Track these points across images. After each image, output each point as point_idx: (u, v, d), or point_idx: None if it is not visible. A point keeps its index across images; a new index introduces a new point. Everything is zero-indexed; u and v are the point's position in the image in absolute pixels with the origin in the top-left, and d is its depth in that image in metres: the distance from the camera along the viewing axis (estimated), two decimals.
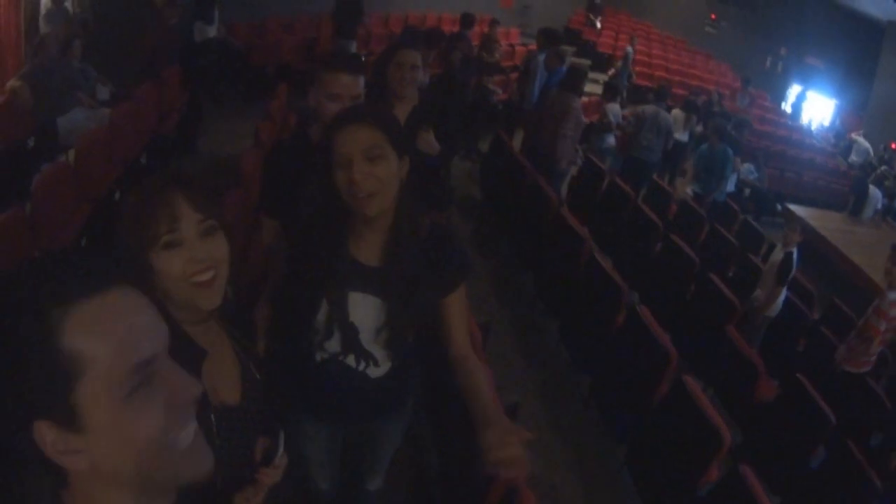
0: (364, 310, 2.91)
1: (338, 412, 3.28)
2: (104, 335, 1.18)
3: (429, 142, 4.75)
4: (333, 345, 2.99)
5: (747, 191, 14.52)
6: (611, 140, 12.95)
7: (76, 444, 1.20)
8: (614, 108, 12.93)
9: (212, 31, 12.14)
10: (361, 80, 4.08)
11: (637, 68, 22.47)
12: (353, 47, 12.10)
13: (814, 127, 27.12)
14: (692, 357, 6.57)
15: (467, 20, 12.19)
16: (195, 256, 2.11)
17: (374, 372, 3.07)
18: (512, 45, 18.82)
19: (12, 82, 9.74)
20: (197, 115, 11.16)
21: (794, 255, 8.22)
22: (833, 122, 27.35)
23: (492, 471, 2.53)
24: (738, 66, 25.94)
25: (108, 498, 1.29)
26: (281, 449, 2.29)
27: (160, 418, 1.23)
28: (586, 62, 12.59)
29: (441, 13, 19.24)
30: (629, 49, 21.24)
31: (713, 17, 27.49)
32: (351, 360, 3.03)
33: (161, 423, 1.23)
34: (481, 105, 12.80)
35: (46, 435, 1.19)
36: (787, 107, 27.96)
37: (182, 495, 1.42)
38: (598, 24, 25.80)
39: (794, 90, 28.28)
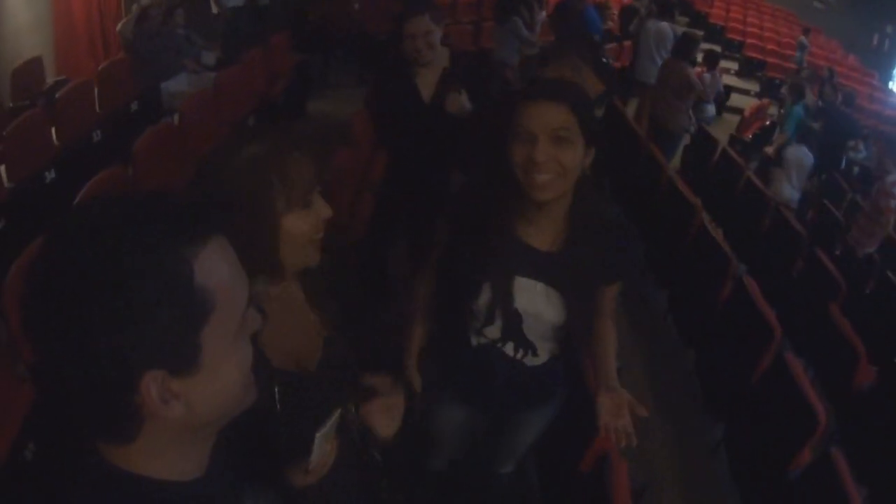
0: (531, 296, 2.77)
1: (486, 399, 3.17)
2: (229, 274, 1.23)
3: (458, 102, 4.63)
4: (493, 331, 2.88)
5: (856, 169, 14.19)
6: (711, 110, 12.82)
7: (179, 388, 1.21)
8: (710, 76, 12.82)
9: None
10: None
11: (749, 40, 22.15)
12: None
13: None
14: (795, 335, 6.43)
15: None
16: (321, 216, 2.13)
17: (532, 361, 2.96)
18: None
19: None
20: (307, 79, 11.17)
21: None
22: None
23: (601, 433, 2.64)
24: (846, 43, 25.44)
25: (172, 448, 1.30)
26: (334, 419, 2.15)
27: (247, 356, 1.31)
28: (699, 32, 12.43)
29: None
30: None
31: None
32: (509, 347, 2.91)
33: (247, 360, 1.31)
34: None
35: (153, 385, 1.17)
36: (894, 86, 27.30)
37: (230, 453, 1.48)
38: None
39: None
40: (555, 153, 2.49)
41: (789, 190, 9.91)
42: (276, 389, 2.08)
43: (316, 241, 2.16)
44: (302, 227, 2.09)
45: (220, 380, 1.25)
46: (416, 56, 4.76)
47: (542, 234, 2.76)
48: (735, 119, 14.50)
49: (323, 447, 2.12)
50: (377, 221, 5.37)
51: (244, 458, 1.55)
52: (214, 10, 11.39)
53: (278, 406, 2.10)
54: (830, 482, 4.15)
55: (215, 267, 1.20)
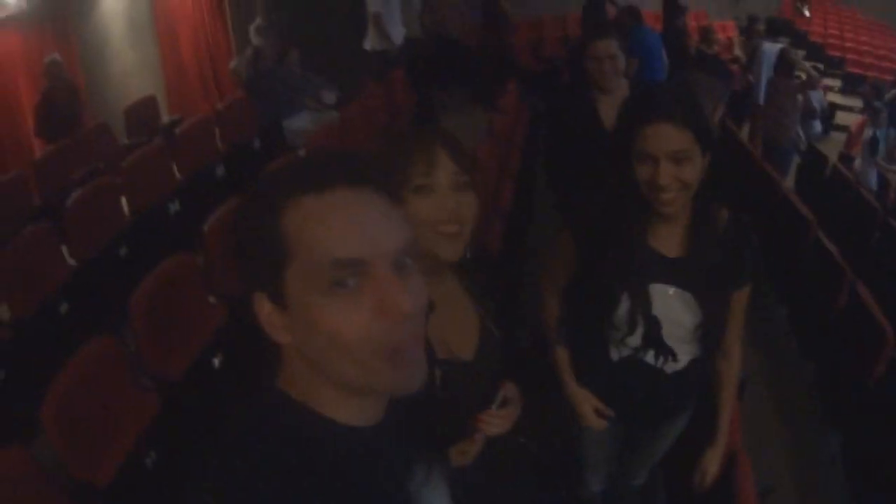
0: (666, 301, 2.84)
1: (629, 413, 3.21)
2: (314, 226, 1.29)
3: None
4: (635, 340, 2.91)
5: None
6: (817, 125, 12.73)
7: (283, 320, 1.35)
8: (817, 95, 12.71)
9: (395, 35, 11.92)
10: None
11: (849, 56, 21.83)
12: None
13: None
14: None
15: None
16: (445, 205, 2.15)
17: (672, 367, 2.99)
18: (729, 38, 18.48)
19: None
20: (428, 113, 11.25)
21: None
22: None
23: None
24: None
25: (314, 381, 1.39)
26: (499, 400, 2.33)
27: (364, 323, 1.29)
28: (800, 53, 12.36)
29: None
30: None
31: None
32: (650, 356, 2.96)
33: (364, 328, 1.29)
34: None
35: (264, 306, 1.36)
36: None
37: (400, 424, 1.53)
38: (807, 13, 25.04)
39: None
40: (676, 172, 2.55)
41: None
42: (437, 375, 2.16)
43: (445, 235, 2.17)
44: (420, 211, 2.11)
45: (319, 331, 1.30)
46: (600, 78, 4.71)
47: (668, 241, 2.83)
48: (842, 137, 14.34)
49: (485, 428, 2.26)
50: (508, 249, 5.40)
51: (414, 434, 1.60)
52: (368, 46, 11.47)
53: (440, 392, 2.17)
54: None
55: (308, 219, 1.29)
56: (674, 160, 2.55)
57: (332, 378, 1.36)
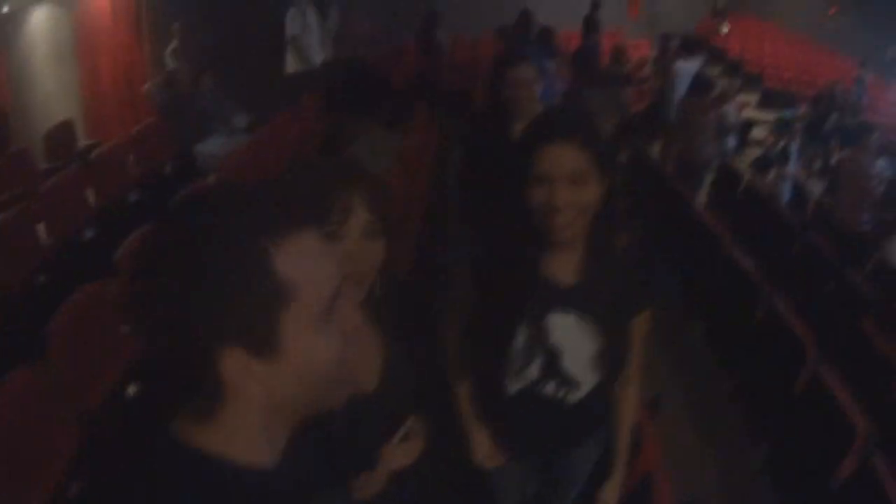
0: (565, 330, 2.77)
1: (531, 445, 3.16)
2: (312, 266, 1.30)
3: None
4: (532, 372, 2.84)
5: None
6: (731, 141, 12.93)
7: (259, 370, 1.29)
8: (732, 111, 12.92)
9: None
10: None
11: (767, 71, 22.12)
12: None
13: None
14: (831, 352, 6.52)
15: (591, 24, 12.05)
16: (351, 255, 2.14)
17: (573, 397, 2.91)
18: (643, 57, 18.66)
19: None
20: (339, 136, 11.28)
21: None
22: None
23: None
24: (862, 60, 25.32)
25: (250, 432, 1.37)
26: (402, 433, 2.35)
27: (339, 347, 1.34)
28: (716, 69, 12.57)
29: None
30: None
31: (832, 11, 26.80)
32: (550, 387, 2.88)
33: (339, 352, 1.34)
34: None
35: (232, 362, 1.28)
36: None
37: (297, 459, 1.49)
38: (725, 29, 25.36)
39: None
40: (573, 194, 2.47)
41: None
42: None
43: (374, 267, 2.23)
44: (350, 246, 2.14)
45: (301, 368, 1.31)
46: (515, 104, 4.59)
47: (565, 268, 2.74)
48: (758, 152, 14.51)
49: (388, 461, 2.27)
50: (419, 273, 5.37)
51: (314, 464, 1.62)
52: (290, 69, 11.46)
53: (343, 423, 2.12)
54: (874, 491, 4.23)
55: (299, 257, 1.28)
56: (571, 181, 2.47)
57: (279, 413, 1.38)
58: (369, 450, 2.32)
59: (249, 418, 1.35)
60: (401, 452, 2.37)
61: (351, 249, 2.15)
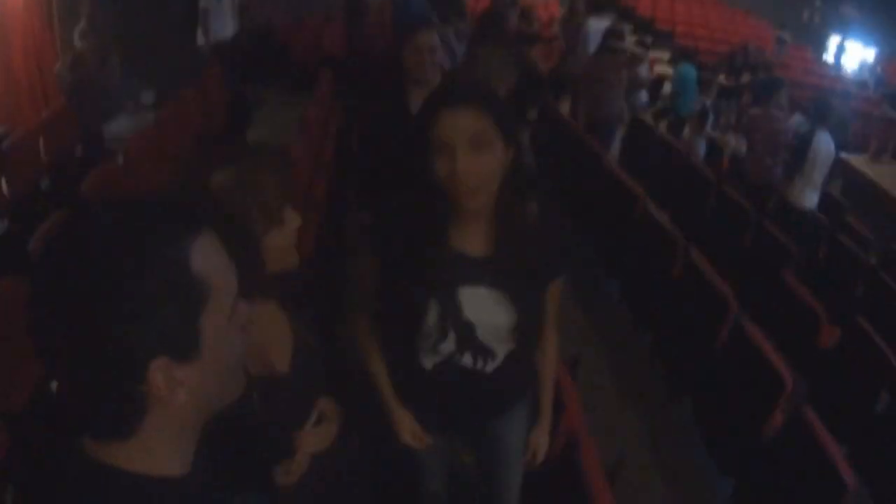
0: (477, 303, 2.70)
1: (453, 417, 3.11)
2: (221, 263, 1.32)
3: None
4: (448, 346, 2.77)
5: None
6: (643, 96, 13.02)
7: (182, 375, 1.26)
8: (643, 68, 13.08)
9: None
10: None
11: (679, 28, 22.33)
12: None
13: (855, 76, 26.70)
14: (752, 307, 6.50)
15: None
16: (294, 226, 2.28)
17: (490, 366, 2.87)
18: (552, 16, 18.66)
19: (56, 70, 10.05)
20: (243, 109, 11.21)
21: None
22: (873, 70, 26.91)
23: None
24: (776, 23, 25.67)
25: (164, 443, 1.34)
26: (315, 417, 2.34)
27: (240, 343, 1.37)
28: (627, 28, 12.70)
29: None
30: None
31: None
32: (467, 358, 2.82)
33: (240, 348, 1.38)
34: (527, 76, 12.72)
35: (159, 373, 1.23)
36: (828, 58, 27.58)
37: (206, 461, 1.48)
38: None
39: (833, 41, 27.91)
40: (475, 160, 2.43)
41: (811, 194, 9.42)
42: (253, 395, 2.10)
43: (293, 248, 2.28)
44: (281, 242, 2.20)
45: (218, 365, 1.32)
46: (418, 71, 4.59)
47: (473, 240, 2.71)
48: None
49: (304, 446, 2.25)
50: (324, 240, 5.31)
51: (229, 460, 1.59)
52: (201, 41, 11.30)
53: (257, 411, 2.11)
54: (807, 441, 4.18)
55: (208, 256, 1.27)
56: (472, 146, 2.42)
57: (196, 419, 1.38)
58: (285, 437, 2.30)
59: (168, 428, 1.34)
60: (316, 436, 2.36)
61: (291, 222, 2.26)
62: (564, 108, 11.83)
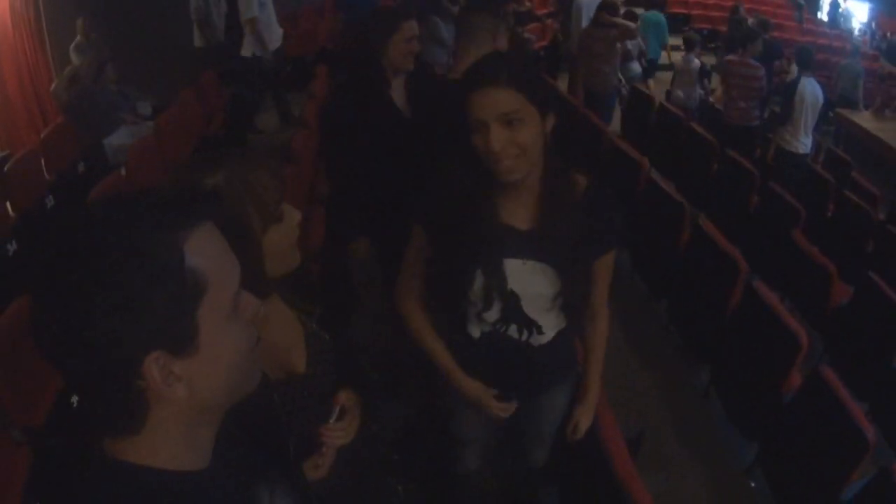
0: (522, 276, 2.74)
1: (501, 388, 3.07)
2: (219, 256, 1.31)
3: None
4: (493, 315, 2.83)
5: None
6: (636, 67, 13.08)
7: (181, 370, 1.26)
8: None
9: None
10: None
11: None
12: None
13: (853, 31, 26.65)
14: (763, 269, 6.49)
15: None
16: (294, 222, 2.19)
17: (538, 340, 2.92)
18: None
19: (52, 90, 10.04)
20: (242, 110, 11.19)
21: None
22: (868, 25, 26.86)
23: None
24: None
25: (177, 437, 1.34)
26: (336, 412, 2.31)
27: (246, 338, 1.35)
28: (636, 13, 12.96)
29: None
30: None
31: None
32: (513, 330, 2.87)
33: (246, 343, 1.35)
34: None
35: (155, 367, 1.23)
36: (822, 15, 27.51)
37: (234, 454, 1.52)
38: None
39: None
40: (510, 136, 2.47)
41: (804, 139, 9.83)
42: (274, 397, 2.13)
43: (295, 245, 2.22)
44: (281, 240, 2.15)
45: (219, 360, 1.30)
46: (402, 61, 4.56)
47: (520, 213, 2.74)
48: (667, 76, 14.60)
49: (329, 440, 2.26)
50: (331, 232, 5.30)
51: (253, 454, 1.60)
52: (247, 53, 11.18)
53: (280, 413, 2.15)
54: (826, 399, 4.18)
55: (205, 249, 1.26)
56: (505, 123, 2.46)
57: (204, 413, 1.37)
58: (309, 434, 2.28)
59: (175, 422, 1.33)
60: (340, 430, 2.33)
61: (290, 219, 2.20)
62: (562, 84, 11.83)
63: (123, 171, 7.92)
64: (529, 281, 2.75)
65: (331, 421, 2.28)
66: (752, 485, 4.86)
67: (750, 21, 14.86)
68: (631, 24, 10.32)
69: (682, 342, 6.07)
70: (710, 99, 12.32)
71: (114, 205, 1.26)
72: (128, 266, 1.18)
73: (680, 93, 12.29)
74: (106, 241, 1.19)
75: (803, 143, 9.46)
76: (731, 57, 10.73)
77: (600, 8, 10.21)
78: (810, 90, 9.29)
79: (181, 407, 1.30)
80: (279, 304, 2.32)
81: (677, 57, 14.62)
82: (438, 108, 4.06)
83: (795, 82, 9.46)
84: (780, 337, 4.65)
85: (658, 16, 14.07)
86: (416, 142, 4.29)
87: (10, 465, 4.05)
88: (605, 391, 3.52)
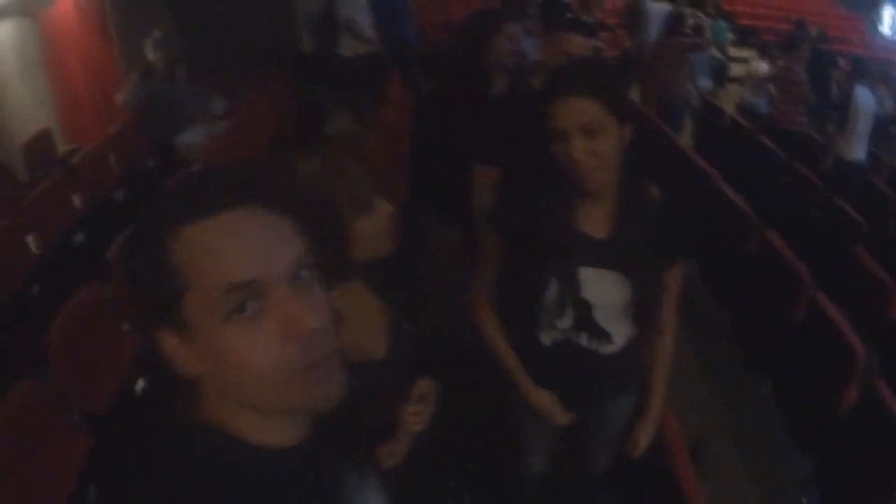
0: (596, 285, 2.77)
1: (565, 395, 3.11)
2: (204, 254, 1.25)
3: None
4: (565, 322, 2.85)
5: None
6: (707, 79, 12.99)
7: (190, 352, 1.30)
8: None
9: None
10: (592, 43, 4.00)
11: (739, 8, 22.01)
12: None
13: None
14: (824, 281, 6.51)
15: None
16: (386, 213, 2.29)
17: (607, 349, 2.93)
18: (615, 4, 18.51)
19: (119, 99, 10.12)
20: (316, 108, 11.21)
21: None
22: None
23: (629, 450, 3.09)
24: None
25: (230, 408, 1.36)
26: (415, 396, 2.36)
27: (273, 347, 1.26)
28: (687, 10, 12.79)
29: None
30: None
31: None
32: (583, 338, 2.89)
33: (275, 352, 1.26)
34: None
35: (167, 341, 1.30)
36: (884, 30, 27.07)
37: (326, 435, 1.49)
38: None
39: (888, 13, 27.34)
40: (590, 146, 2.50)
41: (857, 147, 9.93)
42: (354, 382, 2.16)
43: (385, 235, 2.29)
44: (371, 227, 2.23)
45: (227, 360, 1.27)
46: (507, 60, 4.67)
47: (595, 221, 2.76)
48: (737, 89, 14.47)
49: (407, 426, 2.30)
50: (412, 227, 5.36)
51: (343, 444, 1.59)
52: (349, 53, 11.14)
53: (358, 398, 2.16)
54: (881, 415, 4.19)
55: (194, 247, 1.25)
56: (585, 133, 2.50)
57: (249, 404, 1.34)
58: (386, 418, 2.32)
59: (223, 398, 1.35)
60: (417, 416, 2.37)
61: (383, 211, 2.29)
62: (633, 95, 11.77)
63: (197, 168, 8.04)
64: (602, 290, 2.78)
65: (408, 407, 2.33)
66: (804, 501, 4.84)
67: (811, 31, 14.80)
68: (700, 37, 10.32)
69: (745, 353, 6.06)
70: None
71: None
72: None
73: (750, 100, 12.17)
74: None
75: (857, 150, 9.59)
76: (779, 62, 10.96)
77: (670, 19, 10.21)
78: (864, 99, 9.40)
79: (214, 389, 1.35)
80: (363, 290, 2.40)
81: (746, 67, 14.50)
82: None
83: (850, 91, 9.56)
84: (838, 351, 4.65)
85: (723, 25, 13.96)
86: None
87: (68, 450, 4.16)
88: (668, 395, 3.59)
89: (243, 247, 1.26)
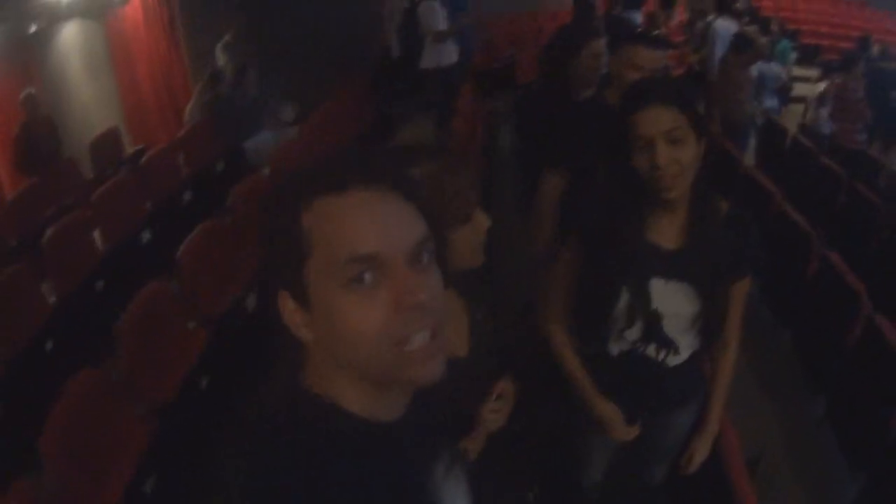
0: (666, 295, 2.82)
1: (631, 406, 3.15)
2: (332, 225, 1.34)
3: None
4: (633, 333, 2.90)
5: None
6: (773, 98, 12.89)
7: (305, 318, 1.39)
8: (773, 68, 12.98)
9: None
10: (662, 55, 4.06)
11: (803, 27, 21.81)
12: (638, 19, 11.66)
13: None
14: (886, 304, 6.48)
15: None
16: (482, 227, 2.30)
17: (673, 360, 2.98)
18: (682, 21, 18.41)
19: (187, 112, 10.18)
20: (388, 121, 11.24)
21: None
22: None
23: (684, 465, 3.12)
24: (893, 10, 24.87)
25: (337, 376, 1.43)
26: (496, 395, 2.40)
27: (381, 317, 1.33)
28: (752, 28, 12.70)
29: None
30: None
31: None
32: (651, 349, 2.94)
33: (382, 322, 1.33)
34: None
35: (287, 304, 1.40)
36: None
37: (420, 420, 1.56)
38: None
39: None
40: (674, 153, 2.57)
41: None
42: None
43: (478, 247, 2.31)
44: (467, 238, 2.25)
45: (339, 327, 1.34)
46: (593, 76, 4.81)
47: (668, 233, 2.82)
48: (799, 108, 14.37)
49: (485, 423, 2.35)
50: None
51: (435, 429, 1.65)
52: (430, 64, 11.16)
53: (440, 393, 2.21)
54: None
55: (323, 217, 1.34)
56: (669, 140, 2.57)
57: (355, 372, 1.40)
58: (465, 414, 2.38)
59: (330, 367, 1.42)
60: (495, 414, 2.42)
61: (478, 223, 2.29)
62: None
63: (267, 171, 8.17)
64: (672, 301, 2.83)
65: (488, 405, 2.37)
66: None
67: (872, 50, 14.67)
68: (763, 44, 10.30)
69: (803, 371, 6.06)
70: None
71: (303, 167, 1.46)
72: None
73: (812, 119, 12.11)
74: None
75: None
76: (836, 80, 10.98)
77: (737, 37, 10.17)
78: None
79: (324, 355, 1.42)
80: (450, 293, 2.45)
81: (809, 87, 14.40)
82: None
83: None
84: (894, 373, 4.67)
85: (788, 44, 14.08)
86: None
87: (130, 438, 4.24)
88: (727, 410, 3.62)
89: (371, 222, 1.34)
